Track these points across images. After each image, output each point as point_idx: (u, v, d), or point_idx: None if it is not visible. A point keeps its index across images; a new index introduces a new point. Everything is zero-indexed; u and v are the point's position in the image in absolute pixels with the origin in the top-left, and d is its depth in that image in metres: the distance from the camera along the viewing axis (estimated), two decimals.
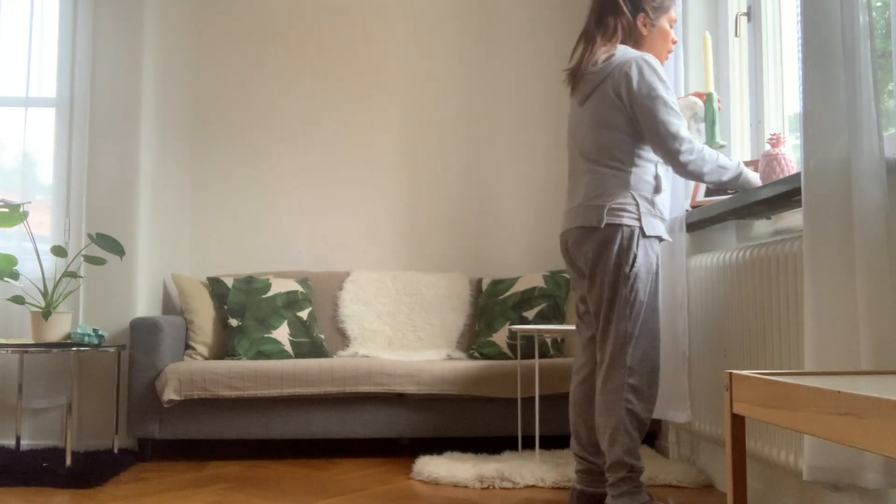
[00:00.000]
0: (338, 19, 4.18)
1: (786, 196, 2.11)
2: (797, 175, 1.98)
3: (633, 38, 2.34)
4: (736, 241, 2.70)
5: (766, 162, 2.42)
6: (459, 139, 4.18)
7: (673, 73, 2.90)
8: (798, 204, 2.18)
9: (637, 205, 2.24)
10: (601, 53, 2.30)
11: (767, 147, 2.45)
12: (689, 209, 2.79)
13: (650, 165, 2.28)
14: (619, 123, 2.25)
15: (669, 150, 2.21)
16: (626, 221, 2.22)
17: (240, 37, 4.16)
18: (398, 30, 4.20)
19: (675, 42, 2.42)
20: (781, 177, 2.30)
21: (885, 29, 2.10)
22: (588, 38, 2.36)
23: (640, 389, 2.21)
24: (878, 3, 2.15)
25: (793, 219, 2.36)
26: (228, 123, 4.13)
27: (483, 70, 4.20)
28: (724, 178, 2.28)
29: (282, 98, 4.15)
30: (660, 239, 2.30)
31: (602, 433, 2.24)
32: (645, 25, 2.33)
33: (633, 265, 2.22)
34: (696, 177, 2.27)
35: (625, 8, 2.32)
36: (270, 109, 4.15)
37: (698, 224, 2.76)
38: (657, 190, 2.28)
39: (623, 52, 2.29)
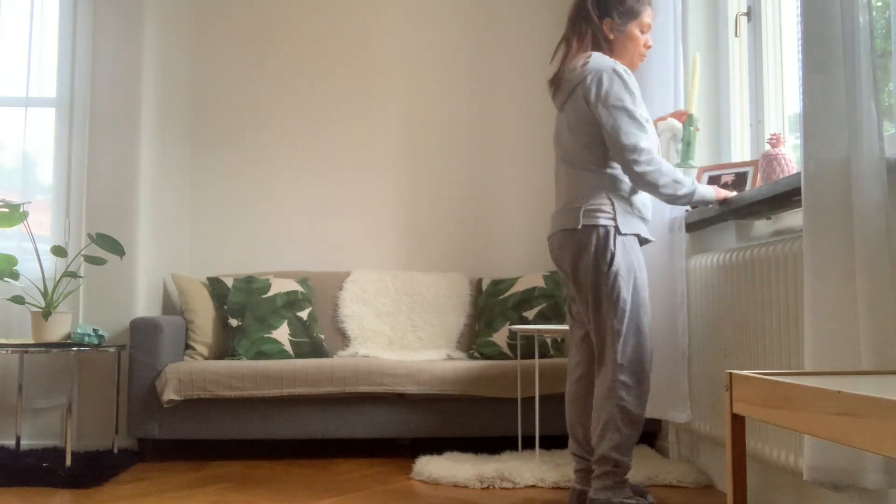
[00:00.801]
0: (338, 20, 4.18)
1: (786, 196, 2.11)
2: (797, 175, 1.98)
3: (604, 44, 2.37)
4: (736, 241, 2.70)
5: (766, 162, 2.42)
6: (459, 139, 4.18)
7: (673, 76, 2.90)
8: (798, 204, 2.18)
9: (612, 204, 2.29)
10: (578, 59, 2.35)
11: (767, 147, 2.45)
12: (689, 209, 2.79)
13: None
14: (592, 128, 2.30)
15: (626, 160, 2.25)
16: (601, 221, 2.28)
17: (240, 37, 4.16)
18: (398, 30, 4.20)
19: (648, 47, 2.44)
20: (781, 177, 2.30)
21: (885, 29, 2.10)
22: (566, 45, 2.42)
23: (631, 386, 2.27)
24: (879, 3, 2.15)
25: (793, 219, 2.36)
26: (228, 123, 4.13)
27: (483, 70, 4.20)
28: (680, 192, 2.31)
29: (282, 98, 4.15)
30: (640, 238, 2.35)
31: (594, 428, 2.32)
32: (612, 30, 2.37)
33: (611, 264, 2.27)
34: (651, 188, 2.29)
35: (592, 14, 2.36)
36: (270, 109, 4.15)
37: (698, 224, 2.76)
38: (634, 190, 2.34)
39: (598, 59, 2.32)
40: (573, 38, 2.39)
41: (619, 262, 2.27)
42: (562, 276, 2.47)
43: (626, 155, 2.24)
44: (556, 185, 2.47)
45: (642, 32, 2.41)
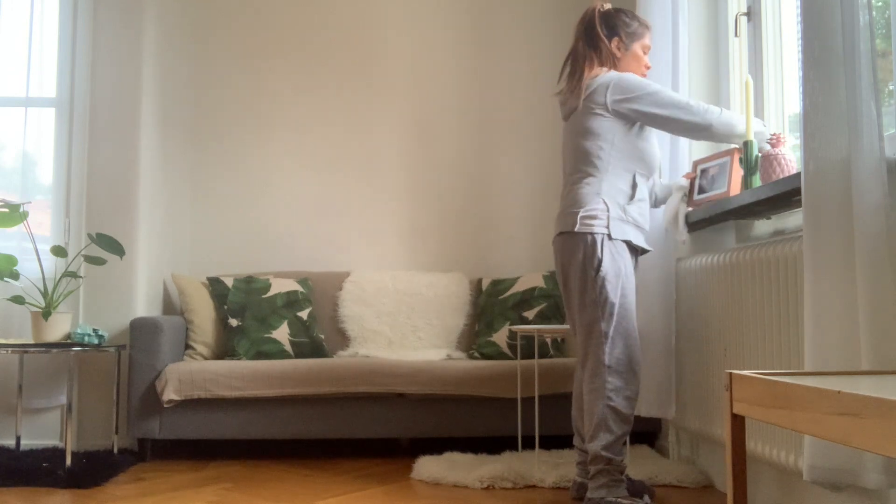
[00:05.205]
0: (339, 19, 4.18)
1: (786, 196, 2.11)
2: (797, 175, 1.98)
3: (612, 61, 2.55)
4: (735, 241, 2.70)
5: (766, 162, 2.42)
6: (460, 139, 4.17)
7: (671, 76, 2.90)
8: (798, 204, 2.18)
9: (608, 211, 2.42)
10: (589, 74, 2.52)
11: (767, 147, 2.45)
12: (689, 209, 2.78)
13: (627, 174, 2.47)
14: (600, 131, 2.46)
15: (688, 124, 2.43)
16: (595, 229, 2.41)
17: (240, 36, 4.16)
18: (400, 30, 4.19)
19: (648, 67, 2.62)
20: (781, 177, 2.30)
21: (885, 29, 2.10)
22: (577, 59, 2.56)
23: (620, 387, 2.39)
24: (879, 3, 2.15)
25: (793, 219, 2.36)
26: (228, 123, 4.13)
27: (484, 70, 4.20)
28: (737, 129, 2.47)
29: (282, 98, 4.15)
30: (632, 245, 2.45)
31: (586, 429, 2.44)
32: (619, 49, 2.56)
33: (598, 269, 2.39)
34: (727, 130, 2.46)
35: (601, 33, 2.54)
36: (271, 109, 4.15)
37: (698, 224, 2.76)
38: (632, 198, 2.47)
39: (607, 73, 2.50)
40: (584, 57, 2.54)
41: (607, 268, 2.39)
42: (558, 278, 2.58)
43: (686, 118, 2.41)
44: (562, 192, 2.60)
45: (644, 53, 2.60)
